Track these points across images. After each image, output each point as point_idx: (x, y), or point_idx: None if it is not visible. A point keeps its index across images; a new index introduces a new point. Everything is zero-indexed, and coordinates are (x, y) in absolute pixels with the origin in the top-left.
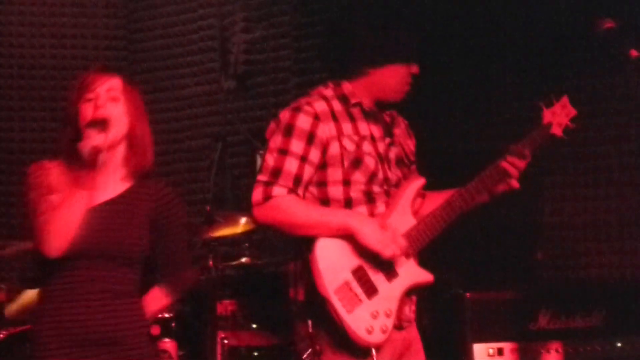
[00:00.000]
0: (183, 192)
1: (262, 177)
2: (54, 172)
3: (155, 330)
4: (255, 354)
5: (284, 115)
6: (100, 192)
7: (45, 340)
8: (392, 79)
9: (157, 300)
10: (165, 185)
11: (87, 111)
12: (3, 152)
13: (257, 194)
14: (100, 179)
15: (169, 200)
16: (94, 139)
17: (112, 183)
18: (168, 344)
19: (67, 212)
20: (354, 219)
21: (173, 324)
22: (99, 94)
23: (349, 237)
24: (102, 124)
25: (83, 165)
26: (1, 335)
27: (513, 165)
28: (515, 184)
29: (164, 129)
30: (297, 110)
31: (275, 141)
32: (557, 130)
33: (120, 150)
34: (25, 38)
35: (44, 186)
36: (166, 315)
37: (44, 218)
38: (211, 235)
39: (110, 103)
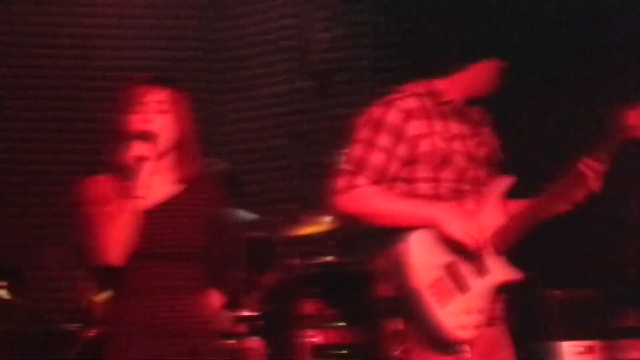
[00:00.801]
0: (264, 192)
1: (346, 167)
2: (104, 185)
3: (242, 328)
4: (342, 351)
5: (375, 109)
6: (153, 196)
7: (122, 337)
8: (485, 74)
9: (214, 298)
10: (217, 187)
11: (134, 123)
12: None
13: (340, 182)
14: (151, 184)
15: (222, 204)
16: (138, 149)
17: (165, 186)
18: (255, 342)
19: (120, 223)
20: (439, 210)
21: (260, 322)
22: (147, 106)
23: (439, 232)
24: (148, 136)
25: (130, 174)
26: (92, 333)
27: (590, 168)
28: (593, 186)
29: (245, 128)
30: (389, 105)
31: (364, 133)
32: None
33: (171, 157)
34: (109, 41)
35: (97, 200)
36: (253, 313)
37: (99, 230)
38: (295, 234)
39: (158, 115)
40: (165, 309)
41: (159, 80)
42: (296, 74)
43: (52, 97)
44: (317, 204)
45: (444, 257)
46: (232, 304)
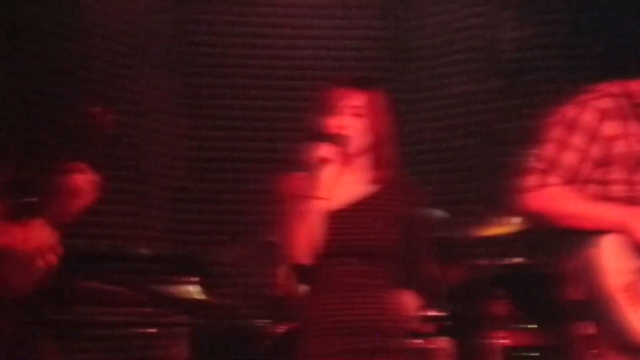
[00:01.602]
0: (452, 192)
1: (538, 165)
2: (297, 183)
3: (430, 328)
4: (531, 354)
5: (569, 108)
6: (343, 197)
7: (311, 333)
8: None
9: (411, 297)
10: (415, 187)
11: (328, 125)
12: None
13: (531, 181)
14: (336, 185)
15: (418, 202)
16: (325, 151)
17: (357, 187)
18: (443, 342)
19: (308, 221)
20: (632, 216)
21: (447, 323)
22: (343, 110)
23: (630, 238)
24: (339, 140)
25: (315, 174)
26: (282, 329)
27: None
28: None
29: (432, 127)
30: (584, 104)
31: (557, 133)
32: None
33: (364, 158)
34: (293, 41)
35: (290, 197)
36: (440, 313)
37: (291, 229)
38: (484, 234)
39: (353, 119)
40: (356, 307)
41: (358, 83)
42: (484, 73)
43: (247, 96)
44: (505, 205)
45: (636, 262)
46: (424, 303)
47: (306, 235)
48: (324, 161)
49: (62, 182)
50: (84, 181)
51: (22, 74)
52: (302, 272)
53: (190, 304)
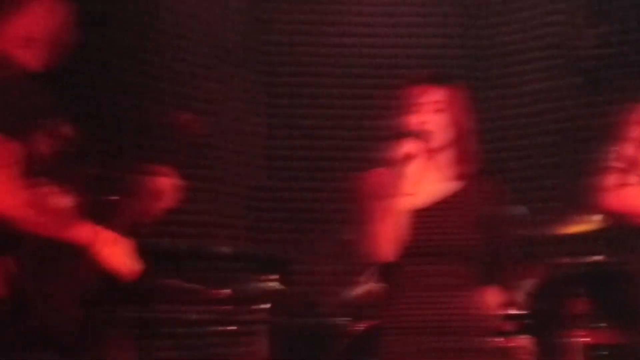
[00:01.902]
0: (532, 189)
1: (617, 164)
2: (381, 180)
3: (509, 326)
4: (611, 352)
5: None
6: (425, 194)
7: (393, 331)
8: None
9: (494, 296)
10: (493, 184)
11: (410, 122)
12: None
13: (611, 180)
14: (421, 181)
15: (501, 201)
16: (409, 147)
17: (439, 184)
18: (523, 340)
19: (391, 219)
20: None
21: (527, 321)
22: (423, 106)
23: None
24: (421, 135)
25: (400, 171)
26: (360, 328)
27: None
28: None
29: (511, 124)
30: None
31: (636, 132)
32: None
33: (446, 154)
34: (373, 39)
35: (373, 195)
36: (521, 311)
37: (374, 227)
38: (564, 232)
39: (434, 115)
40: (438, 306)
41: (437, 79)
42: (563, 70)
43: (326, 95)
44: (585, 203)
45: None
46: (506, 302)
47: (389, 234)
48: (408, 158)
49: (145, 184)
50: (167, 184)
51: (112, 74)
52: (385, 271)
53: (270, 302)
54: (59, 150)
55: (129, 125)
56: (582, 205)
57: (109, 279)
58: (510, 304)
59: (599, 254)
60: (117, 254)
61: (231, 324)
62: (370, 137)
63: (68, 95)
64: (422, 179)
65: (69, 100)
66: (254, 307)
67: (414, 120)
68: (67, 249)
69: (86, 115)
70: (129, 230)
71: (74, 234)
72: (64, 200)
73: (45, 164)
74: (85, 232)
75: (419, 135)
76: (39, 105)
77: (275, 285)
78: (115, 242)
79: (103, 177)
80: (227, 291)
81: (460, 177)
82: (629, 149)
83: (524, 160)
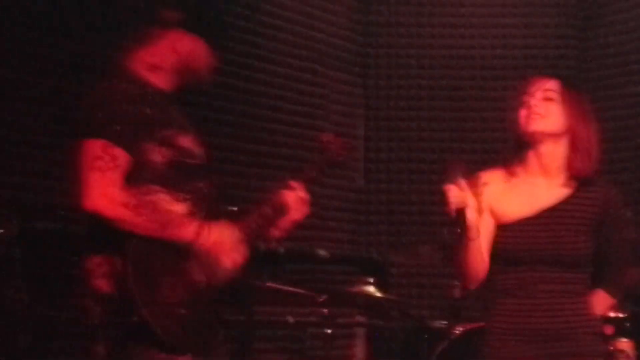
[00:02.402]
0: (633, 191)
1: None
2: (488, 186)
3: (610, 329)
4: None
5: None
6: (541, 199)
7: (498, 337)
8: None
9: (602, 300)
10: (610, 189)
11: (523, 114)
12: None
13: None
14: (539, 185)
15: (614, 204)
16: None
17: (554, 189)
18: (624, 343)
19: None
20: None
21: (629, 324)
22: (534, 93)
23: None
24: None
25: (523, 172)
26: (458, 331)
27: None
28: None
29: (617, 127)
30: None
31: None
32: None
33: (562, 155)
34: (477, 40)
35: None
36: (621, 315)
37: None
38: None
39: (544, 102)
40: (548, 313)
41: (548, 74)
42: None
43: (427, 97)
44: None
45: None
46: (615, 305)
47: (478, 246)
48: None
49: (272, 197)
50: (293, 199)
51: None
52: (494, 273)
53: (369, 305)
54: (175, 161)
55: (263, 137)
56: None
57: (212, 280)
58: (616, 307)
59: None
60: (224, 250)
61: (329, 326)
62: (471, 140)
63: (197, 112)
64: (538, 181)
65: (197, 115)
66: (353, 310)
67: (524, 114)
68: (174, 248)
69: (216, 129)
70: (254, 242)
71: (179, 233)
72: (174, 206)
73: (157, 172)
74: (192, 232)
75: (526, 142)
76: (156, 117)
77: (374, 288)
78: (221, 240)
79: (227, 188)
80: (326, 294)
81: (576, 179)
82: None
83: (628, 162)
